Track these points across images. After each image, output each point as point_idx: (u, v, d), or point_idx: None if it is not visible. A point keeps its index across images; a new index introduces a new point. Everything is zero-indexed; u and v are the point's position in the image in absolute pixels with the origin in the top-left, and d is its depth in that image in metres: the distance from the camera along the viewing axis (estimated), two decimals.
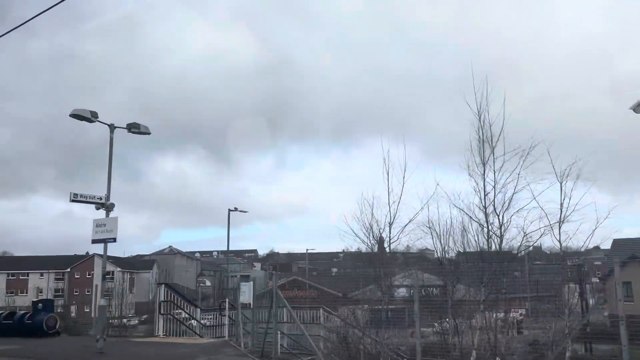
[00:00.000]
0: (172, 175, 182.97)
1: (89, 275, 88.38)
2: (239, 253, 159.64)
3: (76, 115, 14.91)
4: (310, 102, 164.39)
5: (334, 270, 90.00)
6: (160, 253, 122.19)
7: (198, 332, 20.46)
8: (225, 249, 48.04)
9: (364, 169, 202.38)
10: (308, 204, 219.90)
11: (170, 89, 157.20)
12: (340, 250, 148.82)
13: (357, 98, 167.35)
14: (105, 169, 15.78)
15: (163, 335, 19.37)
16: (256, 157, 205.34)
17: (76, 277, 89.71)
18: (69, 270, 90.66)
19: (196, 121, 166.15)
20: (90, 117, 15.06)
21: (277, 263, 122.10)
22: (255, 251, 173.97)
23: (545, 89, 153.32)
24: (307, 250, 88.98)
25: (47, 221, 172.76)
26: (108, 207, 15.80)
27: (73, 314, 70.57)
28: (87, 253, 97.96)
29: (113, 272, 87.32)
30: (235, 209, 24.52)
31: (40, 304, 19.41)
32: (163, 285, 20.79)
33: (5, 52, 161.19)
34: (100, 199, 15.63)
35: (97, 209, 15.71)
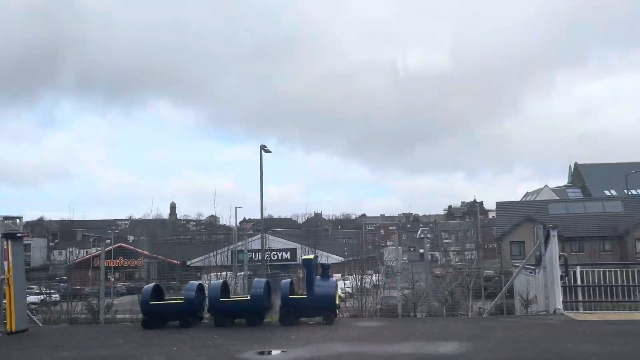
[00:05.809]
0: None
1: None
2: None
3: None
4: (89, 50, 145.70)
5: (131, 238, 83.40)
6: None
7: None
8: None
9: (147, 130, 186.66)
10: (76, 167, 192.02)
11: None
12: (125, 218, 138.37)
13: (144, 52, 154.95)
14: None
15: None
16: (15, 110, 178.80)
17: None
18: None
19: None
20: None
21: (58, 230, 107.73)
22: (20, 218, 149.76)
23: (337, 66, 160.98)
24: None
25: None
26: None
27: None
28: None
29: None
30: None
31: None
32: None
33: None
34: None
35: None
